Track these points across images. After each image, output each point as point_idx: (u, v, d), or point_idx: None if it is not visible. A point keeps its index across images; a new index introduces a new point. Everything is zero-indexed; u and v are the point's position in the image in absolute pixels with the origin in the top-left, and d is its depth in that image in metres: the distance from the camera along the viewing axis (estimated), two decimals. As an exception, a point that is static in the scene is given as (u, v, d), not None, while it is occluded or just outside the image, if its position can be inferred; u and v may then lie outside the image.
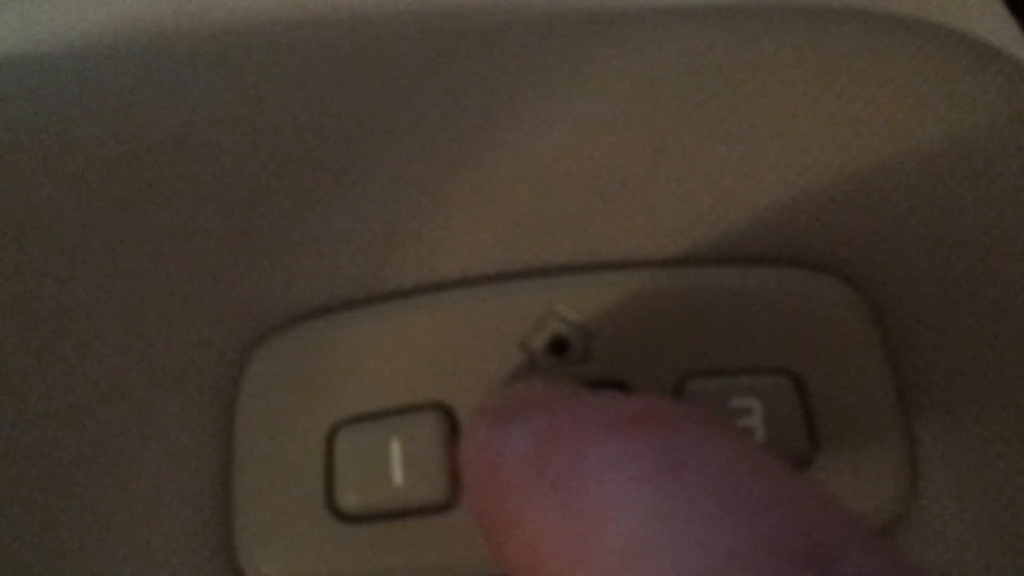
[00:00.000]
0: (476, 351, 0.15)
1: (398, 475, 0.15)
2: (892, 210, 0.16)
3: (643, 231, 0.16)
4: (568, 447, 0.11)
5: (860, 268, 0.16)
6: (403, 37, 0.16)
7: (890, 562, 0.09)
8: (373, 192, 0.16)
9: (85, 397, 0.15)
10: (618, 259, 0.16)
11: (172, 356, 0.15)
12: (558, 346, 0.15)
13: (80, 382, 0.15)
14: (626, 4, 0.17)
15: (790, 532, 0.09)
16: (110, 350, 0.15)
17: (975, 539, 0.15)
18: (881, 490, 0.15)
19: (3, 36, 0.17)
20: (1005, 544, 0.15)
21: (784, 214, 0.16)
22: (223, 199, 0.16)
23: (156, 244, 0.15)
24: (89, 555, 0.15)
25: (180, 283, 0.15)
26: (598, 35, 0.16)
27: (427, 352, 0.15)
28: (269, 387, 0.15)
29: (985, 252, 0.15)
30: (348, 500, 0.15)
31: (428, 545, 0.15)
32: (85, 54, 0.17)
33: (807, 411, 0.15)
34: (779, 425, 0.15)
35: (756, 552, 0.09)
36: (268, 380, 0.15)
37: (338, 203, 0.16)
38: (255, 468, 0.15)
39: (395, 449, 0.15)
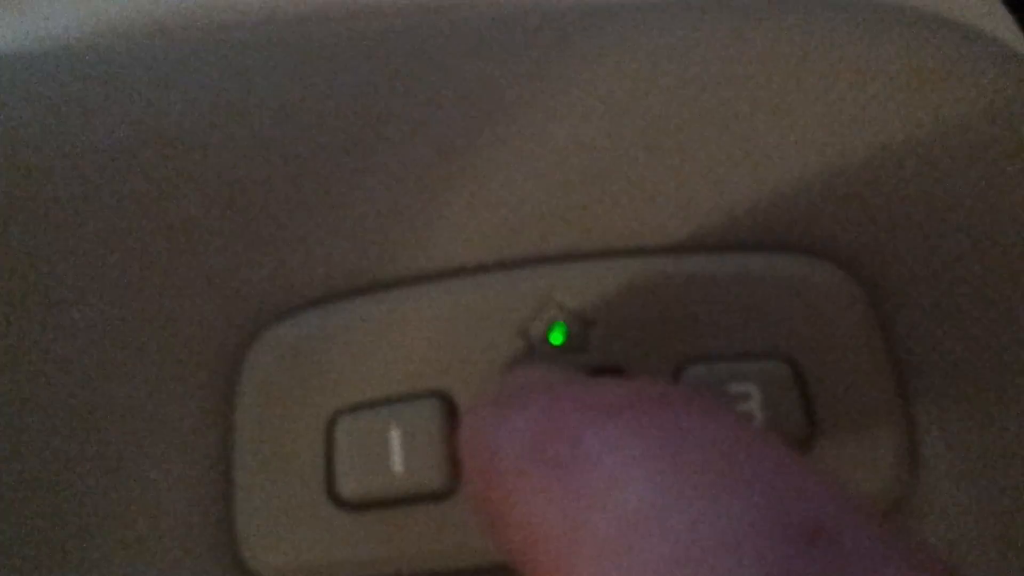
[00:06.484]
0: (475, 339, 0.15)
1: (398, 463, 0.15)
2: (888, 196, 0.16)
3: (640, 219, 0.16)
4: (566, 430, 0.10)
5: (856, 254, 0.16)
6: (400, 31, 0.17)
7: (890, 538, 0.09)
8: (371, 182, 0.16)
9: (85, 390, 0.15)
10: (616, 247, 0.16)
11: (171, 348, 0.15)
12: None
13: (79, 375, 0.15)
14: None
15: (790, 509, 0.09)
16: (108, 343, 0.15)
17: (976, 521, 0.15)
18: (881, 474, 0.15)
19: (3, 35, 0.17)
20: (1005, 525, 0.15)
21: (781, 201, 0.16)
22: (221, 191, 0.16)
23: (154, 237, 0.15)
24: (91, 546, 0.15)
25: (178, 275, 0.15)
26: (596, 26, 0.16)
27: (426, 340, 0.15)
28: (269, 377, 0.15)
29: (979, 236, 0.15)
30: (348, 488, 0.15)
31: (428, 532, 0.15)
32: (85, 52, 0.17)
33: (805, 396, 0.15)
34: (777, 410, 0.15)
35: (755, 529, 0.09)
36: (267, 370, 0.15)
37: (336, 193, 0.16)
38: (255, 457, 0.15)
39: (394, 437, 0.15)
